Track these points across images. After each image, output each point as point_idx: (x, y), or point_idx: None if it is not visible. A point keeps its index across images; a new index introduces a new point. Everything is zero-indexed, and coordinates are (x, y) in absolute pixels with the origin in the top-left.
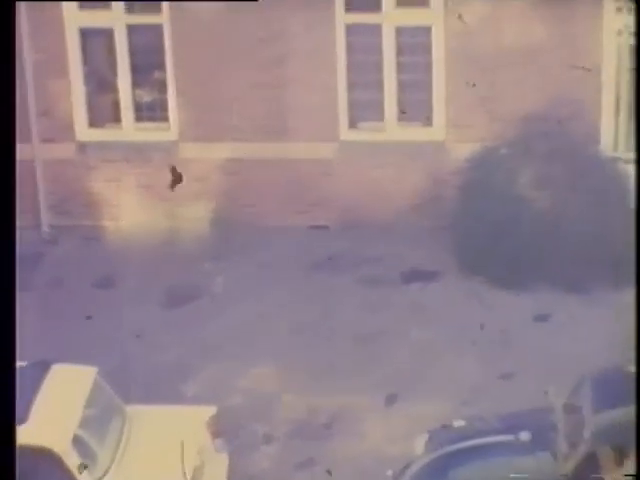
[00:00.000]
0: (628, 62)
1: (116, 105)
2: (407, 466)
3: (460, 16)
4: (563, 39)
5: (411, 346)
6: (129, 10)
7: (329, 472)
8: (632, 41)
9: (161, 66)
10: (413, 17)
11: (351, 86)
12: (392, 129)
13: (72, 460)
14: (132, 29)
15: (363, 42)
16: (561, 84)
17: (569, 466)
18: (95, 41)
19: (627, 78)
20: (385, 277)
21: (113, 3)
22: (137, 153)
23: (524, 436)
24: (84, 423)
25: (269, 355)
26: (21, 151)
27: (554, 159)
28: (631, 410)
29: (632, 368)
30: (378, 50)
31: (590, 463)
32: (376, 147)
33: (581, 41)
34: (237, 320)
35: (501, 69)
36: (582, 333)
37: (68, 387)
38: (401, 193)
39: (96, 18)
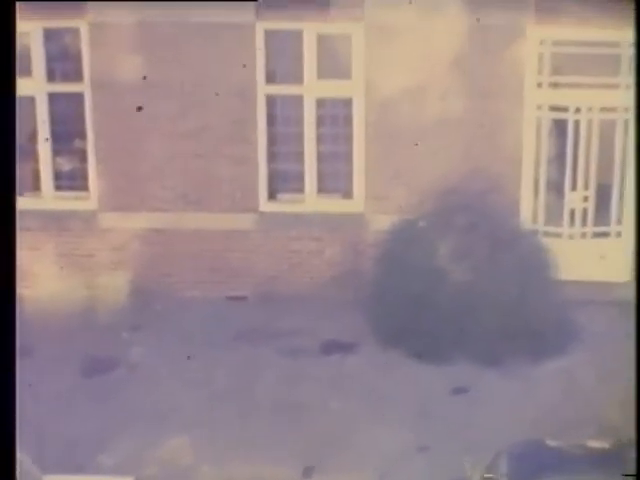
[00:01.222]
0: (547, 135)
1: (36, 173)
2: None
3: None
4: (483, 113)
5: (329, 418)
6: (50, 78)
7: None
8: (552, 115)
9: (81, 135)
10: (334, 89)
11: (271, 157)
12: (311, 201)
13: None
14: (53, 97)
15: (284, 113)
16: (481, 157)
17: None
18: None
19: (546, 151)
20: (304, 349)
21: (34, 72)
22: (56, 222)
23: None
24: None
25: (187, 425)
26: None
27: (473, 232)
28: None
29: (550, 442)
30: (298, 121)
31: None
32: (295, 218)
33: (502, 115)
34: (155, 390)
35: (421, 141)
36: (500, 406)
37: None
38: (320, 265)
39: (17, 86)
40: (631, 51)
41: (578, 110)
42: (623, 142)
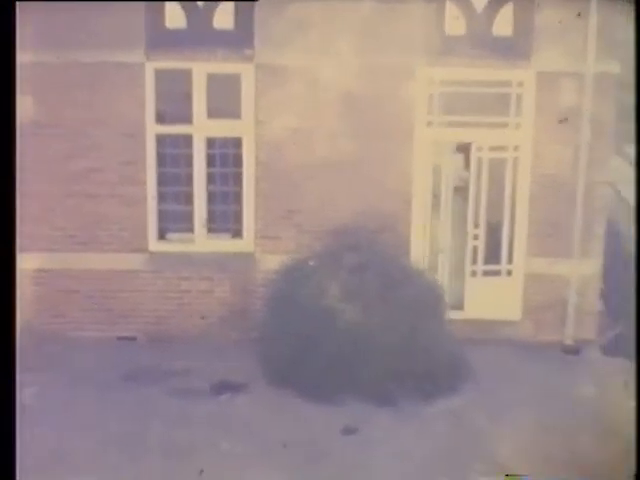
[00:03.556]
0: (440, 174)
1: None
2: None
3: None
4: (374, 153)
5: (220, 458)
6: None
7: None
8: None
9: None
10: (224, 129)
11: (161, 197)
12: (201, 240)
13: None
14: None
15: (173, 153)
16: (371, 197)
17: None
18: None
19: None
20: (194, 389)
21: None
22: None
23: None
24: None
25: (80, 467)
26: None
27: (364, 271)
28: None
29: None
30: (188, 161)
31: None
32: (185, 258)
33: (392, 155)
34: (48, 432)
35: (311, 181)
36: (391, 446)
37: None
38: (210, 305)
39: None
40: (519, 91)
41: (468, 149)
42: (512, 180)
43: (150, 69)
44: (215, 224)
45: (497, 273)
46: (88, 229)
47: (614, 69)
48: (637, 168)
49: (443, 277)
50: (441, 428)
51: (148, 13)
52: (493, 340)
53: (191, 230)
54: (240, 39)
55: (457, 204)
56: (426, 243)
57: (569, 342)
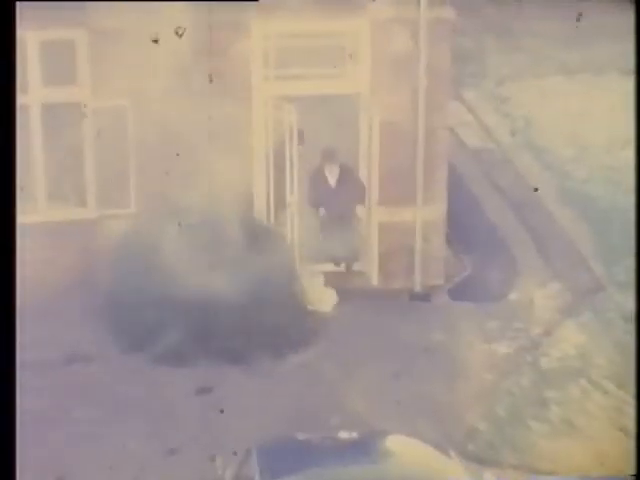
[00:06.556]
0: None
1: None
2: None
3: None
4: (210, 113)
5: (74, 426)
6: None
7: None
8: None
9: None
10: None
11: None
12: (43, 209)
13: None
14: None
15: None
16: (212, 155)
17: None
18: None
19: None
20: (45, 360)
21: None
22: None
23: None
24: None
25: None
26: None
27: (206, 230)
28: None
29: (300, 436)
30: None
31: None
32: (27, 229)
33: (233, 112)
34: None
35: (145, 146)
36: (245, 404)
37: None
38: (55, 274)
39: None
40: (355, 40)
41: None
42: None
43: None
44: (58, 192)
45: None
46: None
47: (448, 14)
48: (637, 166)
49: (292, 232)
50: (295, 383)
51: None
52: (343, 290)
53: (33, 200)
54: None
55: (300, 154)
56: (270, 198)
57: (418, 289)
